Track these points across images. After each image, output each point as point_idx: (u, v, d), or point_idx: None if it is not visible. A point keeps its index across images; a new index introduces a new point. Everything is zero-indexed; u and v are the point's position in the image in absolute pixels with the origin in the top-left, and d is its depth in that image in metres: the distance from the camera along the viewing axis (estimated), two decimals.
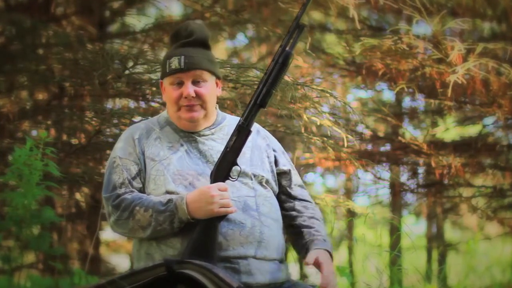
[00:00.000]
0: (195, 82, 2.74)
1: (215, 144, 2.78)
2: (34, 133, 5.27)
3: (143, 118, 4.24)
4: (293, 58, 2.71)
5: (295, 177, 2.91)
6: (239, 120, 2.71)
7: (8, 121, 4.74)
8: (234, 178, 2.69)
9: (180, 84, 2.74)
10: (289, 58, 2.69)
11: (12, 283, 3.63)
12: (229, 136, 2.73)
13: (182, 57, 2.73)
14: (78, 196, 5.61)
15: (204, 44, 2.79)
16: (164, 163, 2.72)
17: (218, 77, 2.83)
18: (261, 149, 2.86)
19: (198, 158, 2.75)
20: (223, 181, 2.66)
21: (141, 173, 2.74)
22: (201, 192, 2.62)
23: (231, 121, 2.86)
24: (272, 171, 2.85)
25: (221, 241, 2.63)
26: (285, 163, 2.90)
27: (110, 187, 2.73)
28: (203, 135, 2.80)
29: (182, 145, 2.77)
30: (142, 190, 2.74)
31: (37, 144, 3.49)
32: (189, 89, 2.73)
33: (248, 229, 2.67)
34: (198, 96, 2.74)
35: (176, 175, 2.70)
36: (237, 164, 2.69)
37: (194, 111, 2.75)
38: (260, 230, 2.69)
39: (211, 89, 2.78)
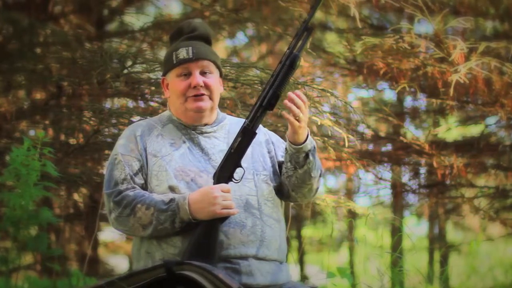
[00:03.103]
0: (202, 73, 2.77)
1: (218, 142, 2.78)
2: (31, 133, 5.26)
3: (142, 118, 4.22)
4: (300, 61, 2.72)
5: None
6: (244, 122, 2.71)
7: (6, 120, 4.73)
8: (237, 180, 2.68)
9: (187, 75, 2.77)
10: (296, 61, 2.70)
11: (10, 285, 3.61)
12: (230, 135, 2.75)
13: (190, 48, 2.76)
14: (76, 196, 5.60)
15: (207, 40, 2.83)
16: (166, 159, 2.71)
17: (220, 74, 2.86)
18: (262, 144, 2.86)
19: (200, 155, 2.75)
20: (226, 182, 2.66)
21: (143, 169, 2.73)
22: (204, 192, 2.61)
23: (232, 121, 2.88)
24: (273, 165, 2.84)
25: (222, 239, 2.62)
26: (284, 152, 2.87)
27: (112, 183, 2.71)
28: (205, 133, 2.80)
29: (184, 142, 2.77)
30: (144, 186, 2.72)
31: (34, 144, 3.47)
32: (198, 78, 2.75)
33: (249, 228, 2.66)
34: (206, 86, 2.77)
35: (178, 171, 2.69)
36: (241, 166, 2.69)
37: (202, 100, 2.76)
38: (262, 229, 2.68)
39: (216, 81, 2.81)
